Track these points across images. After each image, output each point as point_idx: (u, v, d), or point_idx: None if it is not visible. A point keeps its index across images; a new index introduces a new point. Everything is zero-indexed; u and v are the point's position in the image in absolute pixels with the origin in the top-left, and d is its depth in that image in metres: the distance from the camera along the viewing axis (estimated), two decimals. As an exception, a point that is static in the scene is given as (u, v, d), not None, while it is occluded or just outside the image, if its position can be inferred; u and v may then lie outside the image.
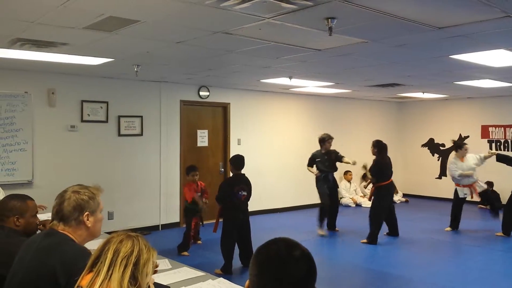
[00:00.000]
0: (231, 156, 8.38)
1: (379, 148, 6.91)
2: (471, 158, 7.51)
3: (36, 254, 2.01)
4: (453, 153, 7.93)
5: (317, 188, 7.54)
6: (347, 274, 5.54)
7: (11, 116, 6.18)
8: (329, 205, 7.42)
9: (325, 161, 7.50)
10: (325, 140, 7.52)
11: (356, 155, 10.33)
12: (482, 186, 7.60)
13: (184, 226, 6.50)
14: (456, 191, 7.58)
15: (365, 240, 6.72)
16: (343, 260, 6.04)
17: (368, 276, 5.48)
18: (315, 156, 7.57)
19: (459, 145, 7.72)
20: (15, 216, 2.56)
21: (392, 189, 7.16)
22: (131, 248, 1.64)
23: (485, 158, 7.46)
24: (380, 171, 6.86)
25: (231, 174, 5.99)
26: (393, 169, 7.07)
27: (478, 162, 7.47)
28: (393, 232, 7.14)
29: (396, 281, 5.18)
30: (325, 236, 7.27)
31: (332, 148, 7.58)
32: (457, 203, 7.64)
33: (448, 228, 7.65)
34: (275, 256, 1.30)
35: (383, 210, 6.82)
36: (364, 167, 7.43)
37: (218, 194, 5.59)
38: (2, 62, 5.59)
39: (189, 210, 6.27)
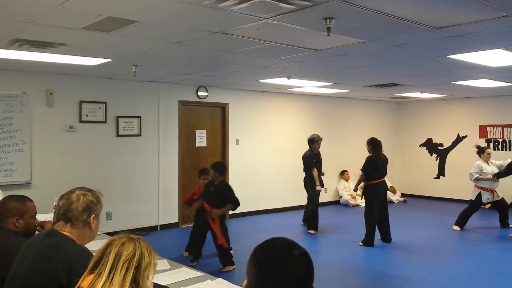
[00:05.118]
0: (229, 156, 8.49)
1: (373, 145, 6.79)
2: (492, 164, 7.61)
3: (37, 254, 2.01)
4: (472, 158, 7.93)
5: (309, 190, 7.46)
6: (345, 274, 5.54)
7: (10, 116, 6.18)
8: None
9: (317, 162, 7.48)
10: (314, 140, 7.45)
11: (354, 154, 10.44)
12: (499, 194, 7.65)
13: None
14: (479, 194, 7.50)
15: (361, 243, 6.66)
16: (341, 260, 6.04)
17: (366, 276, 5.49)
18: (311, 156, 7.43)
19: (482, 149, 7.74)
20: (15, 217, 2.57)
21: (382, 189, 6.77)
22: (133, 252, 1.64)
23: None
24: (369, 168, 6.66)
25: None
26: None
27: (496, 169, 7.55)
28: (385, 238, 6.82)
29: (394, 281, 5.18)
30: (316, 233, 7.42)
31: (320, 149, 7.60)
32: (476, 207, 7.62)
33: (457, 227, 7.61)
34: (273, 256, 1.29)
35: (373, 211, 6.62)
36: None
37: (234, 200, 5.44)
38: (0, 63, 5.58)
39: (197, 212, 5.92)
